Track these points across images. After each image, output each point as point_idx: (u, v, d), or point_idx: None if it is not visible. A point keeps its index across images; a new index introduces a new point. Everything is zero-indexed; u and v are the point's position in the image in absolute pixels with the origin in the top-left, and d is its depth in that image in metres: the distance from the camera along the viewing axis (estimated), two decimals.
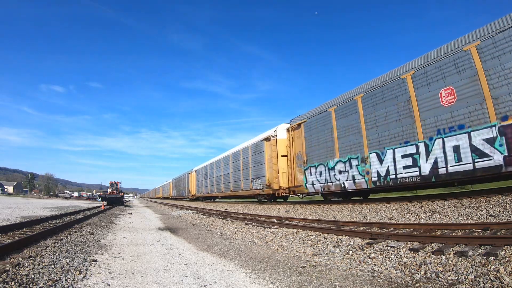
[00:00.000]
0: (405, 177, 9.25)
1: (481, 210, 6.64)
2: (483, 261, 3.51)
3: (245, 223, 9.72)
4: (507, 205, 6.43)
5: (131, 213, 17.85)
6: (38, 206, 20.75)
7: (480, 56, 7.50)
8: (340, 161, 11.96)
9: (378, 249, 4.75)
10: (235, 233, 8.08)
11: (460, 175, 7.79)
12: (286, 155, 15.99)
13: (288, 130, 15.84)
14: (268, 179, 17.49)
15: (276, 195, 17.11)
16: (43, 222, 9.18)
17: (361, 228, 6.75)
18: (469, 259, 3.65)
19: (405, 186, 9.51)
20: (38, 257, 4.40)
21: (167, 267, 4.41)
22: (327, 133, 12.81)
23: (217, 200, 31.88)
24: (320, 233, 6.58)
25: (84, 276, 3.74)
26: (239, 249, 5.96)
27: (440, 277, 3.38)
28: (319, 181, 13.12)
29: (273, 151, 16.99)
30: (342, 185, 11.77)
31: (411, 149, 9.10)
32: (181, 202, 39.43)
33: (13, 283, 3.17)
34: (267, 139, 17.79)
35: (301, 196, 15.60)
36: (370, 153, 10.56)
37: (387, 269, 3.91)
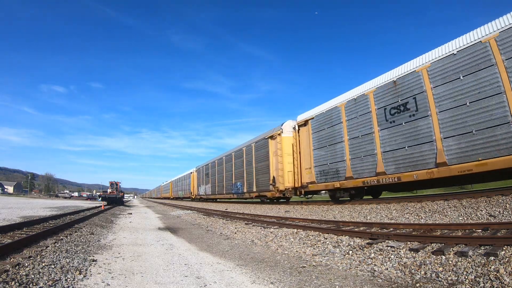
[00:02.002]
0: None
1: (481, 210, 6.64)
2: (483, 261, 3.51)
3: (245, 223, 9.72)
4: (507, 205, 6.43)
5: (131, 213, 17.85)
6: (38, 206, 20.75)
7: None
8: None
9: (378, 249, 4.75)
10: (235, 233, 8.08)
11: None
12: None
13: None
14: None
15: None
16: (43, 222, 9.18)
17: (361, 228, 6.75)
18: (469, 259, 3.65)
19: None
20: (38, 257, 4.40)
21: (167, 267, 4.41)
22: None
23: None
24: (320, 233, 6.58)
25: (84, 276, 3.74)
26: (239, 249, 5.96)
27: (440, 277, 3.38)
28: None
29: None
30: None
31: None
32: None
33: (13, 283, 3.17)
34: None
35: None
36: None
37: (387, 269, 3.91)
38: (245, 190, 20.06)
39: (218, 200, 28.04)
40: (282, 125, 16.23)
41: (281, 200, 18.10)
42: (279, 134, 16.01)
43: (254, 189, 18.61)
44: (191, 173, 37.14)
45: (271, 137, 16.71)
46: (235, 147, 23.49)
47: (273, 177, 16.03)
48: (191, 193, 36.41)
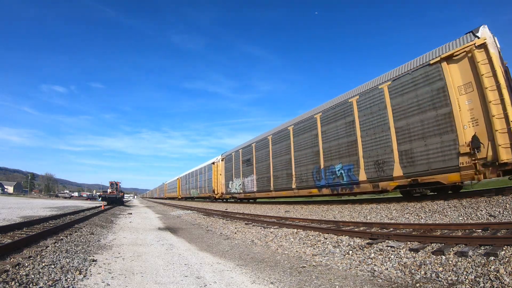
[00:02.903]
0: None
1: (481, 210, 6.64)
2: (483, 261, 3.51)
3: (245, 223, 9.72)
4: (507, 205, 6.43)
5: (131, 213, 17.84)
6: (38, 206, 20.75)
7: None
8: None
9: (378, 249, 4.75)
10: (235, 233, 8.08)
11: None
12: None
13: None
14: None
15: None
16: (43, 222, 9.17)
17: (361, 228, 6.75)
18: (469, 259, 3.65)
19: None
20: (38, 257, 4.40)
21: (167, 267, 4.41)
22: None
23: None
24: (320, 233, 6.58)
25: (84, 276, 3.74)
26: (239, 249, 5.96)
27: (440, 277, 3.38)
28: None
29: None
30: None
31: None
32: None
33: (13, 283, 3.17)
34: None
35: None
36: None
37: (387, 269, 3.91)
38: (361, 178, 10.55)
39: (268, 200, 18.22)
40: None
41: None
42: None
43: (398, 173, 9.21)
44: (213, 163, 26.89)
45: (468, 53, 7.55)
46: (320, 106, 13.43)
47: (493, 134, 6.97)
48: (214, 191, 26.47)
